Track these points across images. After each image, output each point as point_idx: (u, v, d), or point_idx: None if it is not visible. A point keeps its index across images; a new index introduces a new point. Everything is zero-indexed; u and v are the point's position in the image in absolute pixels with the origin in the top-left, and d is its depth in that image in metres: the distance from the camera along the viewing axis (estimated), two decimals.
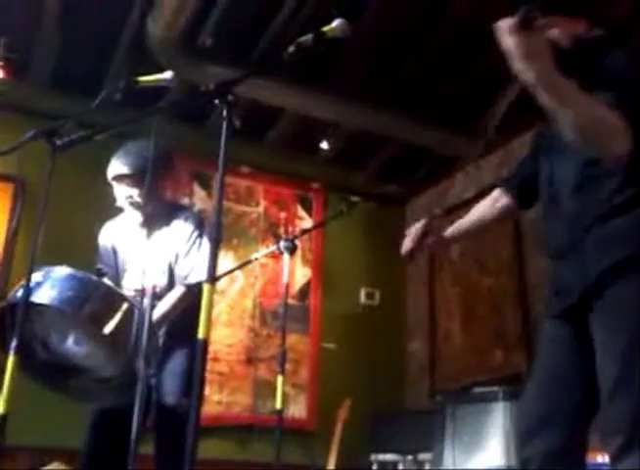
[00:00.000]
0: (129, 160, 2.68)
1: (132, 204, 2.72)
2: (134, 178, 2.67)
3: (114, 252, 2.84)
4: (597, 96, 1.60)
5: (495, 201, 2.13)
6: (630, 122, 1.56)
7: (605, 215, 1.66)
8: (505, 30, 1.55)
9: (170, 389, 2.56)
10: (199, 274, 2.62)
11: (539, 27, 1.55)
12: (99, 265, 2.83)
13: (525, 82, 1.56)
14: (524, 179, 2.03)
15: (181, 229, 2.74)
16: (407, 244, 2.08)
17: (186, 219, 2.76)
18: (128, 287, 2.71)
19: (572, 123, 1.55)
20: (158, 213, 2.74)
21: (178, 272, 2.69)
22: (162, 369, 2.59)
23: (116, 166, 2.70)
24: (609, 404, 1.58)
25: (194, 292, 2.59)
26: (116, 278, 2.77)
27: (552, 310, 1.80)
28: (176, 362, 2.60)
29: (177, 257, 2.71)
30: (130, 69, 4.02)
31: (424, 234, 2.06)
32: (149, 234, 2.70)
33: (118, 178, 2.70)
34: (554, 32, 1.75)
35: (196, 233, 2.72)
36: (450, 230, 2.14)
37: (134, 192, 2.70)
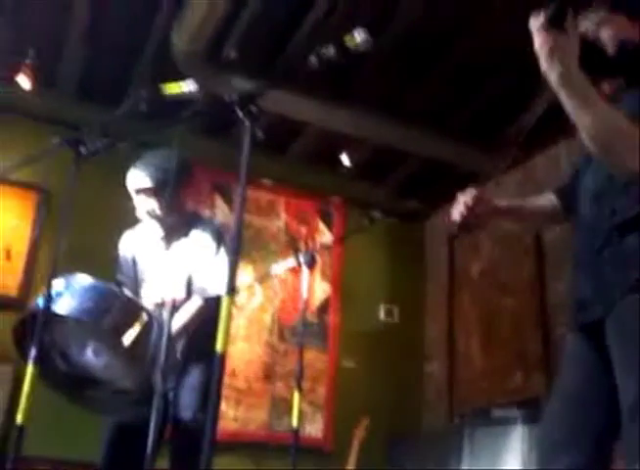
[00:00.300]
0: (149, 171, 2.68)
1: (152, 216, 2.72)
2: (154, 191, 2.67)
3: (134, 262, 2.84)
4: (623, 106, 1.59)
5: (550, 200, 2.06)
6: None
7: (622, 228, 1.63)
8: (534, 28, 1.54)
9: (187, 403, 2.54)
10: (216, 286, 2.61)
11: (570, 26, 1.54)
12: (118, 276, 2.84)
13: (550, 83, 1.54)
14: (568, 186, 1.99)
15: (199, 241, 2.73)
16: (456, 215, 1.92)
17: (204, 230, 2.74)
18: (146, 298, 2.70)
19: (589, 129, 1.54)
20: (177, 225, 2.74)
21: (195, 284, 2.68)
22: (180, 383, 2.57)
23: (137, 179, 2.70)
24: (629, 425, 1.53)
25: (211, 304, 2.58)
26: (135, 288, 2.77)
27: (574, 324, 1.77)
28: (194, 376, 2.58)
29: (195, 268, 2.70)
30: (155, 79, 4.05)
31: (474, 204, 1.90)
32: (168, 245, 2.69)
33: (139, 191, 2.71)
34: (604, 33, 1.73)
35: (214, 245, 2.71)
36: (503, 202, 2.03)
37: (154, 204, 2.70)
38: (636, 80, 1.68)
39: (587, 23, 1.75)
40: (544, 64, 1.54)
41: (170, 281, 2.53)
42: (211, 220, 3.11)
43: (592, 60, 1.64)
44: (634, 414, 1.52)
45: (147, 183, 2.67)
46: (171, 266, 2.63)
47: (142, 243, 2.83)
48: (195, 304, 2.64)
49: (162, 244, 2.72)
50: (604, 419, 1.66)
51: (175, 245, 2.72)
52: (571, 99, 1.53)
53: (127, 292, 2.74)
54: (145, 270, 2.79)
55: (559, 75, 1.52)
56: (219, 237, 2.74)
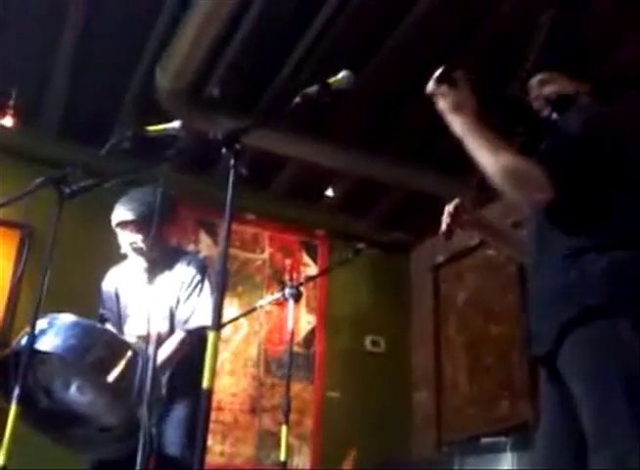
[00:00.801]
0: (132, 206, 2.70)
1: (136, 250, 2.73)
2: (137, 224, 2.69)
3: (117, 297, 2.84)
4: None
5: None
6: (565, 170, 1.66)
7: (557, 264, 1.71)
8: (429, 88, 1.73)
9: (173, 439, 2.52)
10: (199, 319, 2.61)
11: (459, 82, 1.72)
12: (101, 311, 2.83)
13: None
14: None
15: (183, 274, 2.74)
16: (444, 223, 2.08)
17: (188, 264, 2.76)
18: (130, 333, 2.69)
19: (490, 171, 1.68)
20: (161, 259, 2.73)
21: (178, 317, 2.68)
22: (164, 418, 2.55)
23: (120, 213, 2.72)
24: (593, 460, 1.55)
25: (194, 337, 2.57)
26: (119, 324, 2.76)
27: (528, 356, 1.83)
28: (179, 411, 2.57)
29: (178, 301, 2.70)
30: (138, 117, 4.09)
31: (457, 211, 2.05)
32: (151, 279, 2.69)
33: (122, 225, 2.72)
34: (547, 90, 1.89)
35: (198, 278, 2.72)
36: (486, 219, 2.17)
37: (138, 238, 2.71)
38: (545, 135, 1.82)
39: (534, 82, 1.92)
40: (446, 119, 1.72)
41: (154, 315, 2.53)
42: (196, 254, 3.11)
43: (520, 117, 1.84)
44: (595, 449, 1.54)
45: (129, 216, 2.69)
46: (155, 300, 2.63)
47: (126, 278, 2.83)
48: (178, 337, 2.63)
49: (146, 278, 2.72)
50: (577, 456, 1.66)
51: (159, 278, 2.73)
52: (471, 145, 1.70)
53: (111, 328, 2.74)
54: (128, 305, 2.79)
55: (461, 127, 1.71)
56: (203, 270, 2.75)
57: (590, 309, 1.61)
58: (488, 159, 1.68)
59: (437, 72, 1.73)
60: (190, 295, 2.69)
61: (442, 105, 1.72)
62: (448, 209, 2.08)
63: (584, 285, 1.64)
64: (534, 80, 1.93)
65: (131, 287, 2.79)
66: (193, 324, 2.62)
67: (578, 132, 1.72)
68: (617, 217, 1.70)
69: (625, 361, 1.56)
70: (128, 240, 2.73)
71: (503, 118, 1.81)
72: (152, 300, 2.60)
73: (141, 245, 2.71)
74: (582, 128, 1.73)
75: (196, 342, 2.58)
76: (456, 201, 2.08)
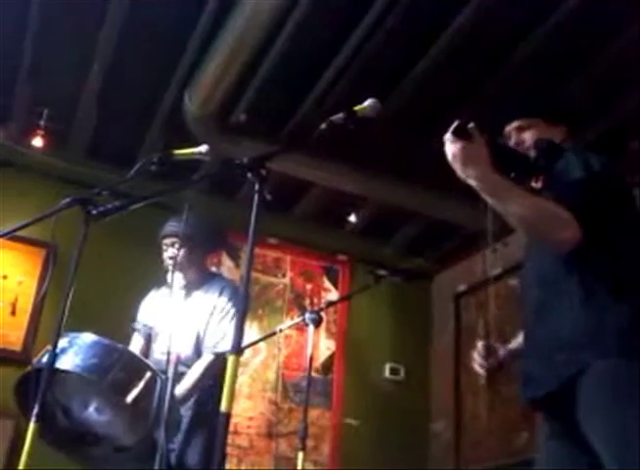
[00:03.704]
0: (181, 223, 2.77)
1: (174, 265, 2.78)
2: (182, 240, 2.78)
3: (154, 315, 2.89)
4: (546, 192, 1.78)
5: None
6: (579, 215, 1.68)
7: (564, 309, 1.73)
8: (445, 142, 1.74)
9: (193, 464, 2.52)
10: (229, 344, 2.61)
11: (474, 135, 1.74)
12: (134, 324, 2.89)
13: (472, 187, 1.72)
14: None
15: (216, 298, 2.79)
16: (478, 368, 2.20)
17: (223, 289, 2.81)
18: (159, 350, 2.73)
19: (516, 218, 1.72)
20: (197, 280, 2.84)
21: (207, 340, 2.70)
22: (189, 441, 2.55)
23: (169, 226, 2.84)
24: None
25: (222, 361, 2.58)
26: (150, 339, 2.85)
27: (522, 398, 1.85)
28: (203, 436, 2.57)
29: (207, 325, 2.73)
30: (165, 141, 4.15)
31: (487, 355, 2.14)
32: (186, 297, 2.79)
33: (167, 237, 2.82)
34: (526, 136, 1.95)
35: (230, 304, 2.76)
36: (516, 342, 2.19)
37: (179, 254, 2.78)
38: (550, 180, 1.85)
39: (511, 129, 1.98)
40: (459, 173, 1.73)
41: (178, 335, 2.56)
42: (231, 280, 3.16)
43: (517, 163, 1.87)
44: None
45: (176, 231, 2.77)
46: (183, 320, 2.67)
47: (164, 297, 2.88)
48: (206, 360, 2.65)
49: (181, 295, 2.78)
50: None
51: (191, 300, 2.78)
52: (492, 197, 1.72)
53: (139, 339, 2.79)
54: (161, 323, 2.83)
55: (477, 180, 1.71)
56: (236, 296, 2.78)
57: (611, 353, 1.63)
58: (514, 204, 1.70)
59: (453, 126, 1.75)
60: (222, 319, 2.73)
61: (455, 158, 1.74)
62: (477, 351, 2.15)
63: (606, 329, 1.65)
64: (511, 127, 1.99)
65: (166, 306, 2.83)
66: (222, 348, 2.64)
67: (585, 175, 1.75)
68: (630, 261, 1.74)
69: None
70: (169, 254, 2.78)
71: (501, 166, 1.82)
72: (179, 319, 2.64)
73: (180, 261, 2.77)
74: (585, 171, 1.76)
75: (222, 368, 2.60)
76: (481, 344, 2.16)
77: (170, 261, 2.79)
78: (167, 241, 2.83)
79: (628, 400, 1.58)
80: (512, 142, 2.00)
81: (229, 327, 2.68)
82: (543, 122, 1.98)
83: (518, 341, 2.14)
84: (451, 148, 1.74)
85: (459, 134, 1.74)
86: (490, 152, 1.75)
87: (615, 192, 1.80)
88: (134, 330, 2.91)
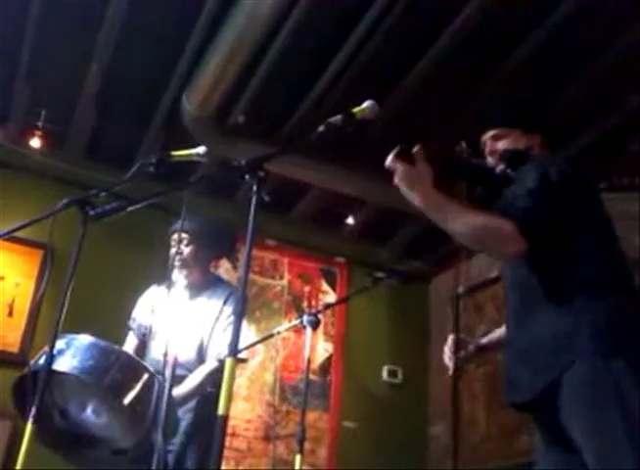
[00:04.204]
0: (196, 222, 2.80)
1: (179, 261, 2.78)
2: (191, 238, 2.79)
3: (152, 312, 2.88)
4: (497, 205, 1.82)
5: None
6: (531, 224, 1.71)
7: (538, 312, 1.76)
8: (388, 166, 1.80)
9: (189, 465, 2.51)
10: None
11: (417, 159, 1.80)
12: (130, 322, 2.87)
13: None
14: None
15: (222, 306, 2.77)
16: (448, 362, 2.27)
17: (228, 297, 2.80)
18: (156, 351, 2.72)
19: (457, 235, 1.76)
20: (201, 283, 2.83)
21: (212, 347, 2.69)
22: (188, 445, 2.54)
23: (181, 222, 2.81)
24: None
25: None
26: (147, 338, 2.83)
27: (506, 400, 1.89)
28: (201, 440, 2.56)
29: (212, 331, 2.71)
30: (163, 143, 4.15)
31: (456, 348, 2.21)
32: (190, 299, 2.76)
33: (178, 233, 2.81)
34: (501, 145, 2.00)
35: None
36: (483, 339, 2.35)
37: (186, 251, 2.79)
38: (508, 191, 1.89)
39: (486, 137, 2.02)
40: (406, 195, 1.80)
41: (177, 337, 2.54)
42: (236, 288, 3.15)
43: (482, 177, 1.93)
44: None
45: (187, 228, 2.77)
46: (184, 323, 2.66)
47: (164, 296, 2.86)
48: (210, 365, 2.64)
49: (184, 296, 2.77)
50: None
51: (197, 302, 2.77)
52: (434, 215, 1.78)
53: (130, 345, 2.77)
54: (159, 323, 2.81)
55: (420, 200, 1.78)
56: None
57: (590, 354, 1.64)
58: (455, 223, 1.75)
59: (394, 151, 1.80)
60: (229, 325, 2.71)
61: (400, 181, 1.80)
62: (447, 347, 2.25)
63: (583, 330, 1.67)
64: (487, 136, 2.02)
65: (166, 306, 2.82)
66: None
67: (538, 185, 1.78)
68: (591, 263, 1.76)
69: (624, 404, 1.59)
70: (176, 249, 2.80)
71: (467, 182, 1.90)
72: (181, 321, 2.63)
73: (186, 258, 2.77)
74: (540, 180, 1.79)
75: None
76: (451, 338, 2.26)
77: (176, 257, 2.79)
78: (176, 237, 2.83)
79: (609, 400, 1.60)
80: (486, 151, 2.03)
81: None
82: (520, 131, 2.00)
83: (490, 336, 2.18)
84: (396, 171, 1.80)
85: (402, 158, 1.79)
86: (446, 170, 1.85)
87: (578, 198, 1.80)
88: (129, 329, 2.90)
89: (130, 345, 2.90)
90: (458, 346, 2.18)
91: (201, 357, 2.71)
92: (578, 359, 1.65)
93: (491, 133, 2.02)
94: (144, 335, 2.86)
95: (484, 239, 1.76)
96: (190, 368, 2.66)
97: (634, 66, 3.44)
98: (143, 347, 2.85)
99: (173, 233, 2.85)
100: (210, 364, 2.66)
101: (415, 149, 1.81)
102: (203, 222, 2.80)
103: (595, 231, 1.81)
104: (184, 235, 2.82)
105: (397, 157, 1.79)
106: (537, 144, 1.99)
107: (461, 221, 1.75)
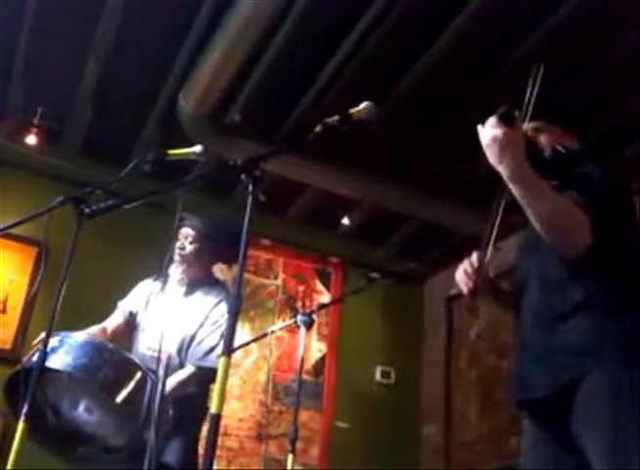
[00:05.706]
0: (205, 220, 2.82)
1: (180, 256, 2.79)
2: (196, 235, 2.80)
3: (146, 304, 2.85)
4: (565, 194, 1.76)
5: None
6: (592, 222, 1.69)
7: (568, 314, 1.73)
8: (487, 124, 1.71)
9: (170, 462, 2.48)
10: (213, 360, 2.56)
11: (518, 124, 1.72)
12: (121, 303, 2.87)
13: (501, 175, 1.70)
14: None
15: (212, 307, 2.74)
16: (463, 278, 1.94)
17: (221, 300, 2.76)
18: (142, 344, 2.71)
19: (540, 215, 1.69)
20: (197, 281, 2.81)
21: (192, 351, 2.66)
22: (168, 440, 2.52)
23: (190, 218, 2.82)
24: None
25: (203, 376, 2.55)
26: (129, 324, 2.83)
27: (514, 398, 1.84)
28: (182, 435, 2.54)
29: (196, 332, 2.68)
30: (160, 141, 4.14)
31: (481, 265, 1.91)
32: (185, 295, 2.77)
33: (184, 227, 2.81)
34: (542, 139, 1.96)
35: (224, 318, 2.67)
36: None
37: (188, 246, 2.79)
38: (567, 184, 1.84)
39: (528, 128, 1.95)
40: (494, 159, 1.69)
41: (168, 335, 2.54)
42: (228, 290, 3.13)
43: (533, 159, 1.80)
44: None
45: (195, 225, 2.80)
46: (177, 318, 2.65)
47: (158, 290, 2.86)
48: (188, 371, 2.60)
49: (180, 292, 2.76)
50: None
51: (190, 299, 2.76)
52: (523, 190, 1.68)
53: (113, 322, 2.78)
54: (149, 316, 2.80)
55: (511, 169, 1.68)
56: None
57: (615, 362, 1.64)
58: (538, 199, 1.69)
59: (500, 111, 1.71)
60: (212, 332, 2.67)
61: (493, 142, 1.69)
62: (471, 262, 1.91)
63: (608, 338, 1.67)
64: (530, 126, 1.98)
65: (159, 300, 2.80)
66: (207, 363, 2.58)
67: (608, 187, 1.79)
68: (627, 274, 1.76)
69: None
70: (180, 245, 2.80)
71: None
72: (174, 318, 2.62)
73: (187, 255, 2.78)
74: (609, 183, 1.80)
75: (204, 381, 2.58)
76: (476, 254, 1.92)
77: (178, 251, 2.79)
78: (184, 231, 2.83)
79: (626, 412, 1.59)
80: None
81: (218, 342, 2.62)
82: (560, 129, 2.00)
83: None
84: (492, 132, 1.70)
85: (503, 120, 1.71)
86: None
87: (622, 206, 1.83)
88: (118, 308, 2.88)
89: (114, 321, 2.87)
90: (482, 265, 1.88)
91: (179, 357, 2.67)
92: (602, 366, 1.64)
93: (533, 125, 1.98)
94: (130, 317, 2.84)
95: (563, 222, 1.71)
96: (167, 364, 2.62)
97: (634, 66, 3.44)
98: (126, 330, 2.84)
99: (182, 227, 2.84)
100: (188, 370, 2.59)
101: (517, 113, 1.75)
102: (213, 226, 2.79)
103: (632, 244, 1.82)
104: (190, 232, 2.82)
105: (500, 118, 1.71)
106: (575, 144, 2.00)
107: (547, 198, 1.70)
